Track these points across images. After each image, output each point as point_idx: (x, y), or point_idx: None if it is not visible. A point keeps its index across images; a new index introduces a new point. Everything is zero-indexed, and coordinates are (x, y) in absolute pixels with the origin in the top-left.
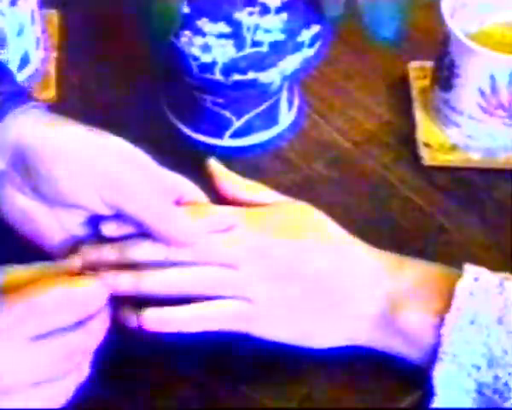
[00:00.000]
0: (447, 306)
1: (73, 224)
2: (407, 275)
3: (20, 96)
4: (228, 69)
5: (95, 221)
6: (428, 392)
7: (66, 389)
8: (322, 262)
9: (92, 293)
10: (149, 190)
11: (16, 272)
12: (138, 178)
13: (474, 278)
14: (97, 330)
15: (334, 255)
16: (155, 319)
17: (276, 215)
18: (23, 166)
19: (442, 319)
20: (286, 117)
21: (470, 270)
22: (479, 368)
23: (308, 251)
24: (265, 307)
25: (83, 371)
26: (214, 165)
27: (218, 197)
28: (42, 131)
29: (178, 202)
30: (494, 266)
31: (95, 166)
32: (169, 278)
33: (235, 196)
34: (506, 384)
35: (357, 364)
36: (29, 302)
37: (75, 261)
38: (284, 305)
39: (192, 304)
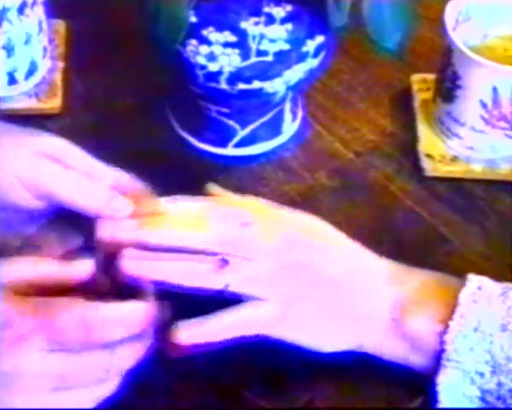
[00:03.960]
0: (451, 313)
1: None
2: (413, 283)
3: None
4: (233, 78)
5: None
6: (432, 399)
7: (89, 397)
8: (338, 266)
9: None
10: (78, 175)
11: (24, 266)
12: (64, 169)
13: (478, 286)
14: (128, 354)
15: (347, 261)
16: (189, 333)
17: (287, 220)
18: None
19: (446, 327)
20: (289, 127)
21: (473, 279)
22: (482, 375)
23: (325, 254)
24: (285, 307)
25: (109, 386)
26: (213, 188)
27: None
28: None
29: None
30: (495, 277)
31: (18, 164)
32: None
33: None
34: (509, 391)
35: (360, 370)
36: (51, 319)
37: (86, 265)
38: (301, 306)
39: (221, 313)
